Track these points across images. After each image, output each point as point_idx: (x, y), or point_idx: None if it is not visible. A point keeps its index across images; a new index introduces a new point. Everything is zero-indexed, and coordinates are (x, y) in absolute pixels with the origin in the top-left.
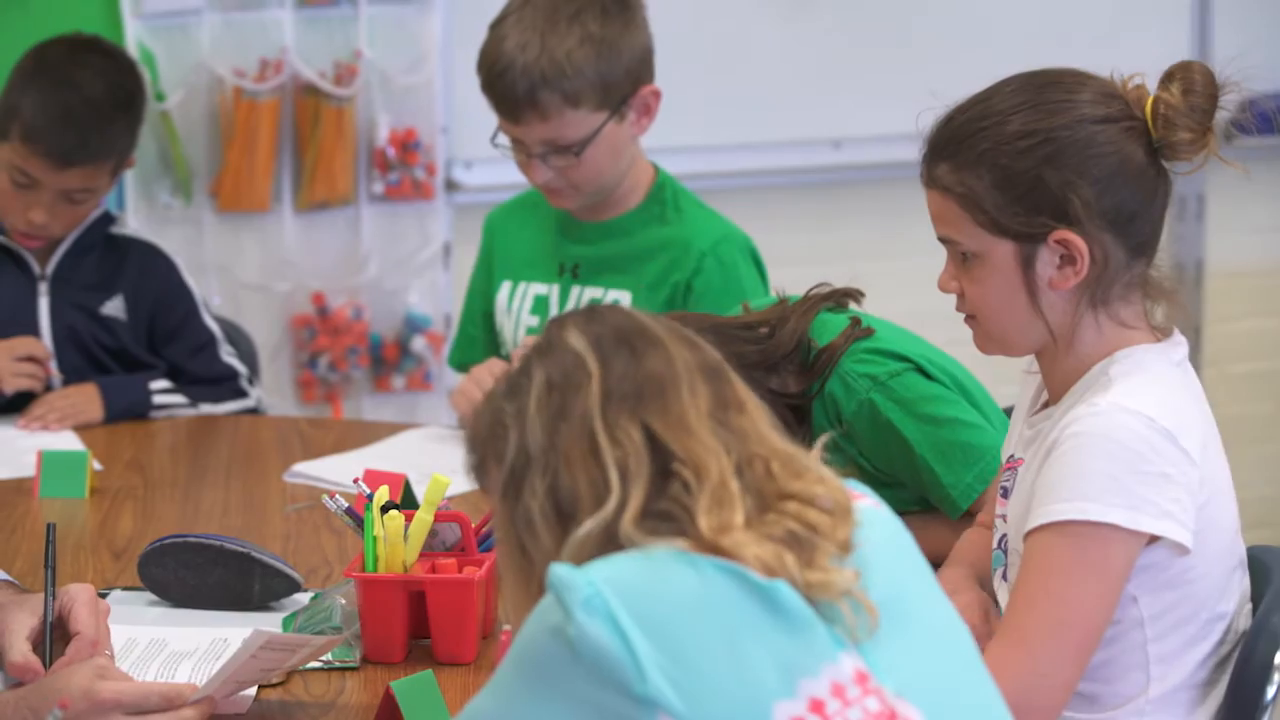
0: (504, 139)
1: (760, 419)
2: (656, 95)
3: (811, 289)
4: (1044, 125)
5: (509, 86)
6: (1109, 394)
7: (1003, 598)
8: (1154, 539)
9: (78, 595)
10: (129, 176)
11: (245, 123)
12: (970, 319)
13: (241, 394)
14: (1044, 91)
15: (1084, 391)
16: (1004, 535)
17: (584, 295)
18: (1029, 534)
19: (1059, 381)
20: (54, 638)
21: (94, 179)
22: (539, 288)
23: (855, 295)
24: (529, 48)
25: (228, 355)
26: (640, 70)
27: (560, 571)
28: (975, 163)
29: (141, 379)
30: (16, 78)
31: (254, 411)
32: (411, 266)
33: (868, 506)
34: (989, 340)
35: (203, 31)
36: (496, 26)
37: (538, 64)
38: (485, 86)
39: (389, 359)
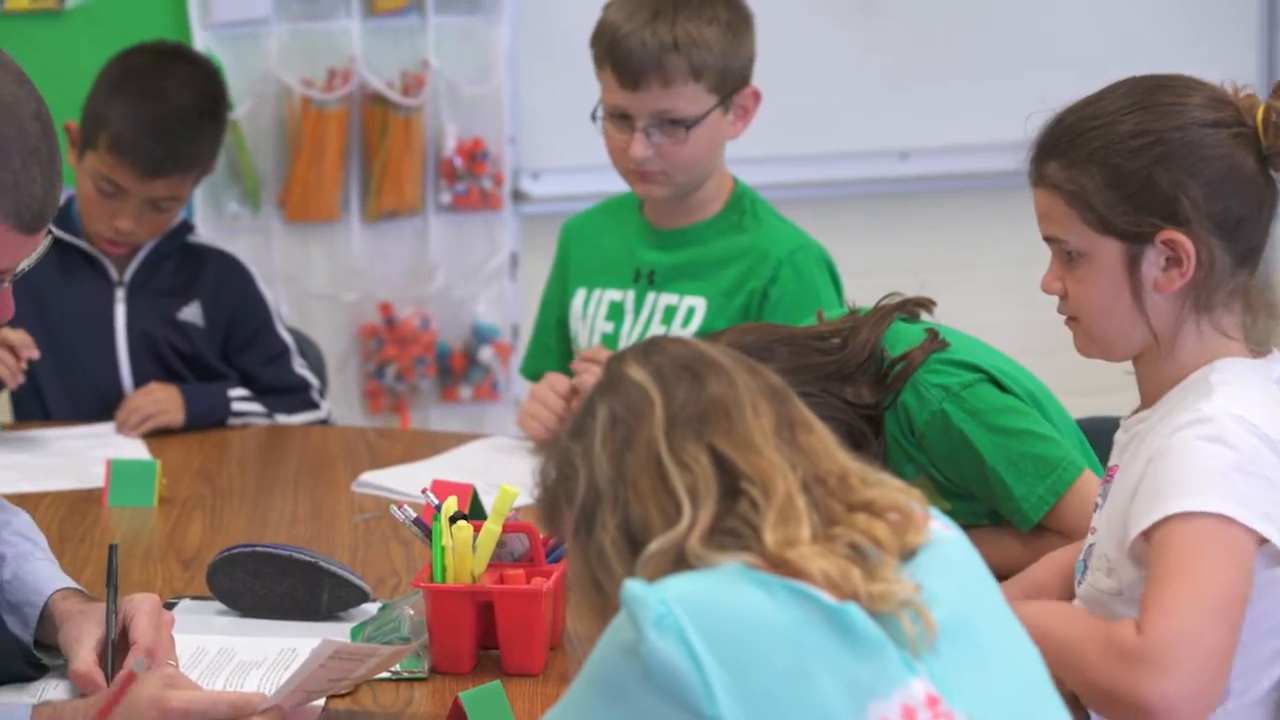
0: (604, 120)
1: (827, 438)
2: (757, 98)
3: (882, 299)
4: (1156, 126)
5: (638, 47)
6: (1213, 400)
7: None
8: (1261, 541)
9: (140, 606)
10: (198, 187)
11: (313, 132)
12: (1071, 321)
13: (313, 405)
14: (1155, 94)
15: (1184, 397)
16: (1091, 545)
17: (659, 301)
18: (1151, 532)
19: (1156, 386)
20: (118, 649)
21: (180, 187)
22: (614, 294)
23: (926, 305)
24: (661, 17)
25: (300, 366)
26: (749, 69)
27: (634, 588)
28: (1086, 161)
29: (221, 387)
30: (101, 86)
31: (324, 423)
32: (479, 277)
33: (939, 529)
34: (1091, 343)
35: (271, 41)
36: (616, 5)
37: (671, 32)
38: (605, 52)
39: (456, 369)
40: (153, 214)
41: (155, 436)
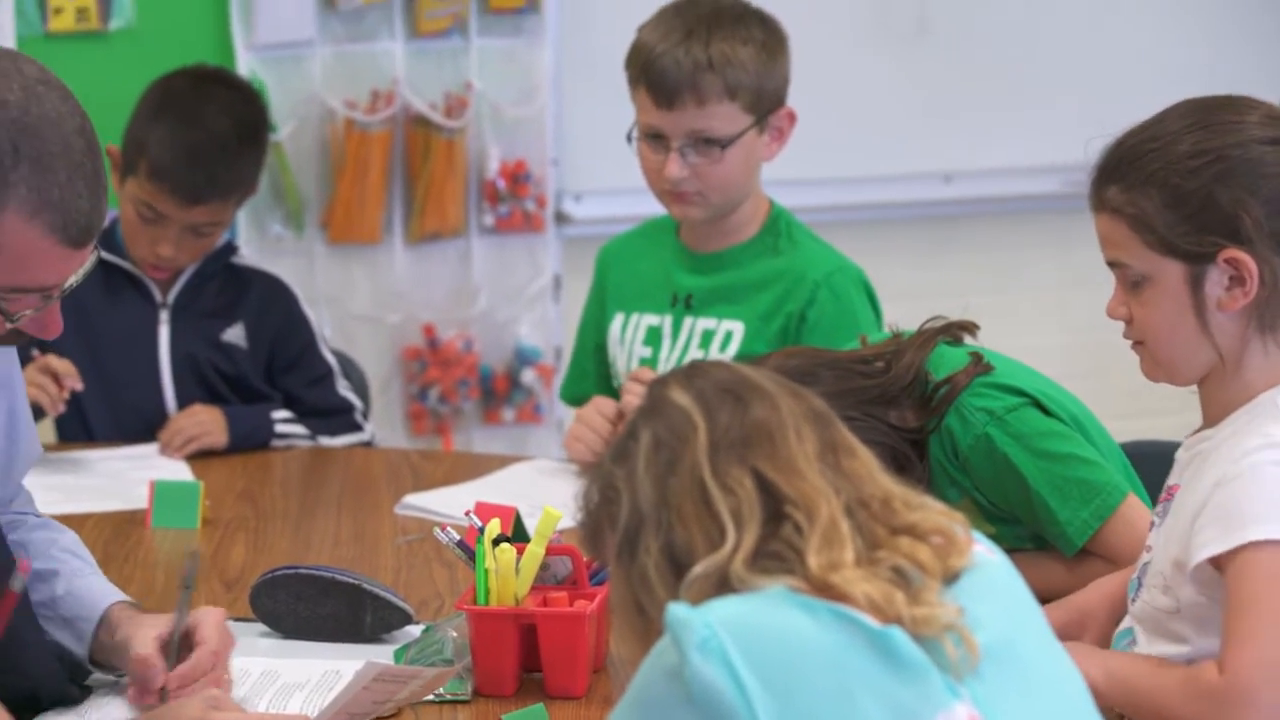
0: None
1: (870, 462)
2: (792, 119)
3: (926, 322)
4: (1214, 144)
5: (672, 67)
6: None
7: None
8: None
9: (208, 614)
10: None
11: (356, 154)
12: (1138, 345)
13: (357, 427)
14: (1213, 113)
15: (1251, 419)
16: (1146, 563)
17: (696, 326)
18: (1225, 559)
19: (1220, 406)
20: (181, 647)
21: (220, 213)
22: (652, 319)
23: (970, 328)
24: (694, 37)
25: (344, 389)
26: (784, 90)
27: (678, 611)
28: (1145, 183)
29: (264, 408)
30: (142, 112)
31: (367, 445)
32: (522, 299)
33: (982, 553)
34: (1156, 366)
35: (314, 63)
36: (650, 27)
37: (705, 52)
38: (640, 73)
39: (499, 391)
40: (194, 239)
41: (198, 458)
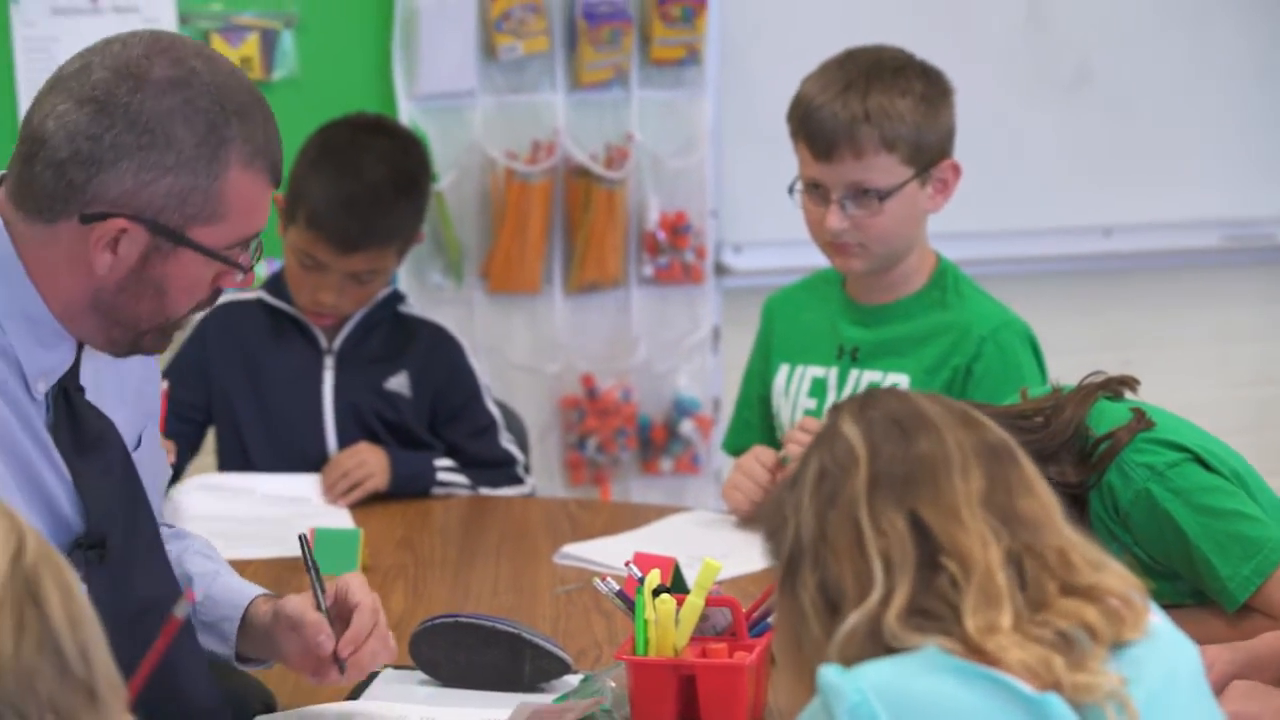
0: (800, 192)
1: (1051, 504)
2: (957, 172)
3: (1086, 377)
4: None
5: (830, 119)
6: None
7: None
8: None
9: (351, 579)
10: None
11: (517, 204)
12: None
13: (518, 480)
14: None
15: None
16: None
17: (862, 378)
18: None
19: None
20: (334, 617)
21: (379, 260)
22: (817, 370)
23: (1131, 383)
24: (853, 89)
25: (507, 441)
26: (947, 143)
27: (830, 676)
28: None
29: (427, 455)
30: (302, 161)
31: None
32: (680, 350)
33: (1158, 624)
34: None
35: (475, 114)
36: (812, 79)
37: (863, 104)
38: (800, 125)
39: (657, 441)
40: (355, 286)
41: (359, 504)
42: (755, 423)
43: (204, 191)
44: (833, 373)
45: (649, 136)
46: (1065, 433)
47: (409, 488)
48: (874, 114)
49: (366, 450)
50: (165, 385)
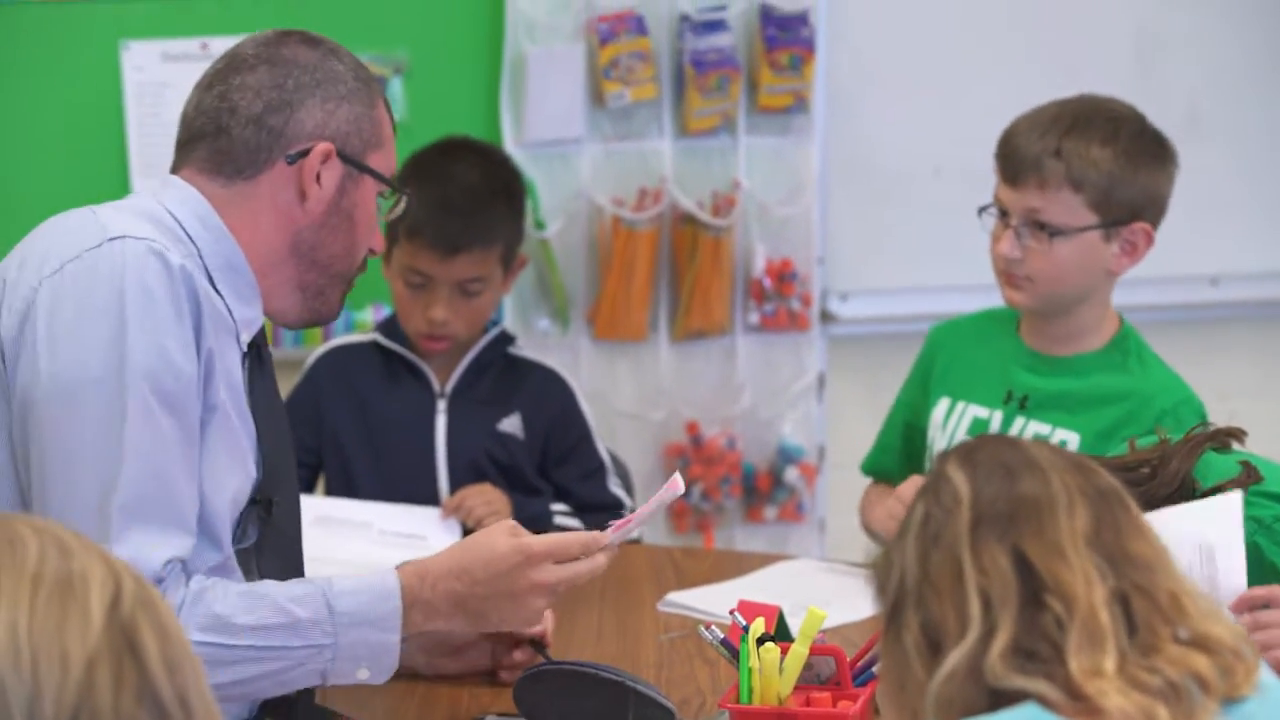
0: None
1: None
2: (1149, 238)
3: (1193, 428)
4: None
5: (1025, 144)
6: None
7: None
8: None
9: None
10: (508, 303)
11: (623, 251)
12: None
13: None
14: None
15: None
16: None
17: (1028, 427)
18: None
19: None
20: None
21: (482, 265)
22: (980, 410)
23: (1238, 435)
24: (1057, 125)
25: (615, 485)
26: (1146, 206)
27: None
28: None
29: (544, 500)
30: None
31: (635, 542)
32: (785, 397)
33: (1269, 680)
34: None
35: (583, 161)
36: (1029, 112)
37: (1061, 141)
38: (1000, 146)
39: (762, 489)
40: (463, 300)
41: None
42: (895, 447)
43: (369, 118)
44: (998, 416)
45: (756, 184)
46: (1172, 484)
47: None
48: (1066, 151)
49: (491, 491)
50: None
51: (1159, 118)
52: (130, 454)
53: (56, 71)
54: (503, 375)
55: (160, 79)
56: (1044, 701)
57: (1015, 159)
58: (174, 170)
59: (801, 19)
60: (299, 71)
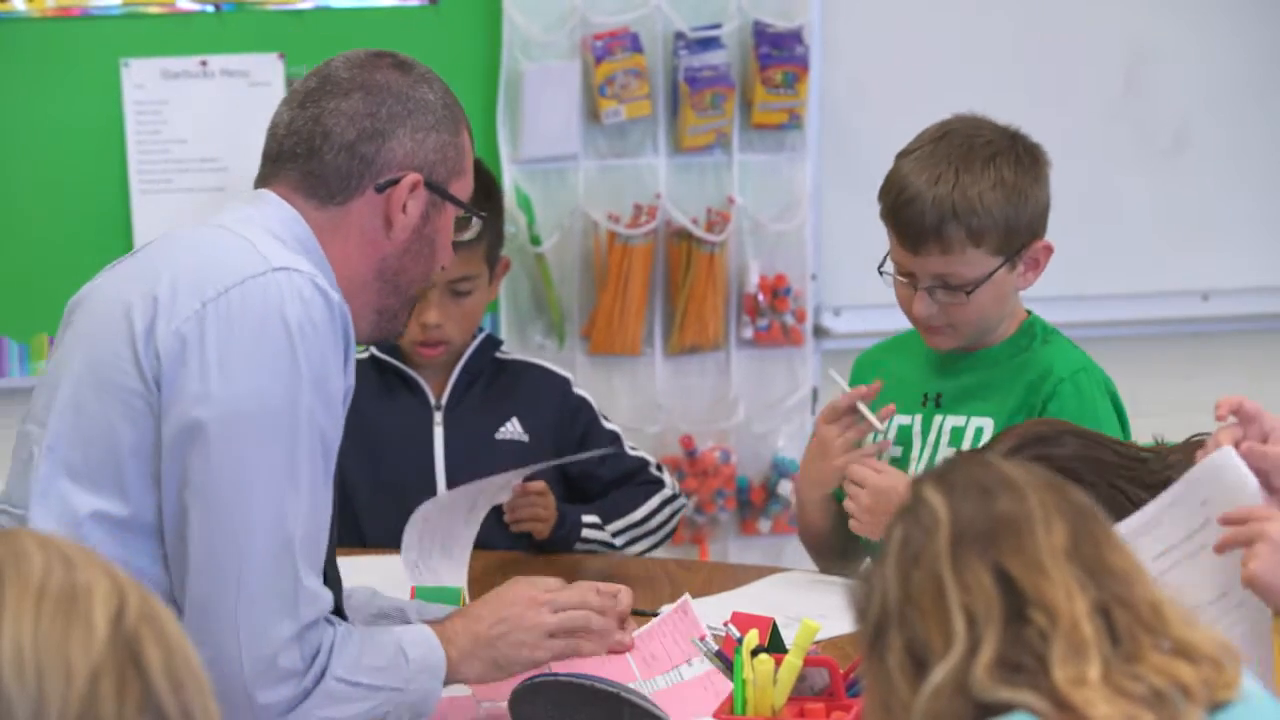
0: (890, 269)
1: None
2: (1048, 251)
3: (1190, 438)
4: None
5: (917, 215)
6: None
7: None
8: None
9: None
10: (504, 318)
11: (618, 267)
12: None
13: (656, 483)
14: None
15: None
16: None
17: (945, 423)
18: None
19: None
20: None
21: (469, 264)
22: (903, 419)
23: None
24: (942, 181)
25: (631, 449)
26: (1038, 224)
27: None
28: None
29: (577, 510)
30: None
31: (674, 500)
32: (779, 411)
33: (1251, 688)
34: None
35: (578, 177)
36: (906, 156)
37: (950, 198)
38: (888, 212)
39: (756, 502)
40: (454, 302)
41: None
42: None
43: (455, 146)
44: (917, 420)
45: (750, 200)
46: (1161, 474)
47: (557, 543)
48: (961, 210)
49: (550, 498)
50: None
51: (1149, 139)
52: (305, 491)
53: (57, 88)
54: (494, 381)
55: (160, 96)
56: (1031, 712)
57: (912, 228)
58: (263, 183)
59: (795, 36)
60: (391, 100)
